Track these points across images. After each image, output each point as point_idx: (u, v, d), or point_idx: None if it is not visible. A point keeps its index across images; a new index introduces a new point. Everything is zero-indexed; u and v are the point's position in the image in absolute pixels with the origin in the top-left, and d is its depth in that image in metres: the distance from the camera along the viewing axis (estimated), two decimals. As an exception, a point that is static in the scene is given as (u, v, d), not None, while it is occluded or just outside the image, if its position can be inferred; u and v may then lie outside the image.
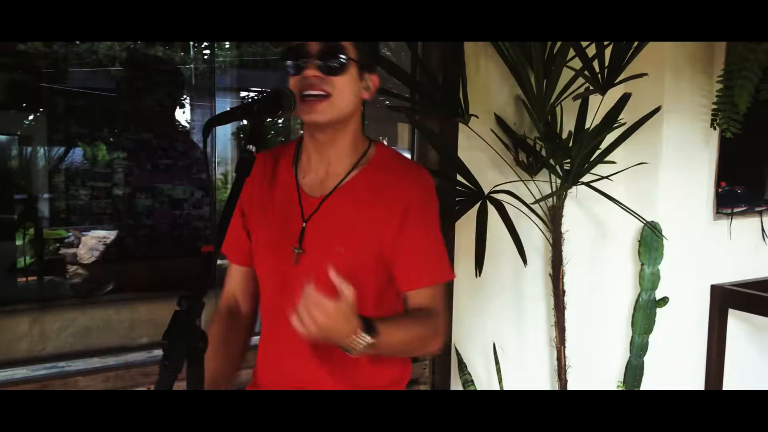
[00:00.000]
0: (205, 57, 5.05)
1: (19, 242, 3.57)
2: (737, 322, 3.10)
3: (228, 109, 1.26)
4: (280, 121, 5.05)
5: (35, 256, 3.53)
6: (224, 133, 4.81)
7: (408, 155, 2.51)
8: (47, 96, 4.38)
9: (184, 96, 4.86)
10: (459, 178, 2.29)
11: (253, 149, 1.19)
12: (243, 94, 5.25)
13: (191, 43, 4.69)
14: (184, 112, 5.01)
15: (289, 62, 1.33)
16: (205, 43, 4.90)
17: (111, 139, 4.37)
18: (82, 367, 1.92)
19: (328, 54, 1.30)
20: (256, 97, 3.31)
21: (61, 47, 4.39)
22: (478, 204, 2.24)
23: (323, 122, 1.34)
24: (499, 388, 2.45)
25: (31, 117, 4.57)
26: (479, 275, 2.13)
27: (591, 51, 2.15)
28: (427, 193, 1.43)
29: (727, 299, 2.99)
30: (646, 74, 2.14)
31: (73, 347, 2.13)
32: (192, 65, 4.82)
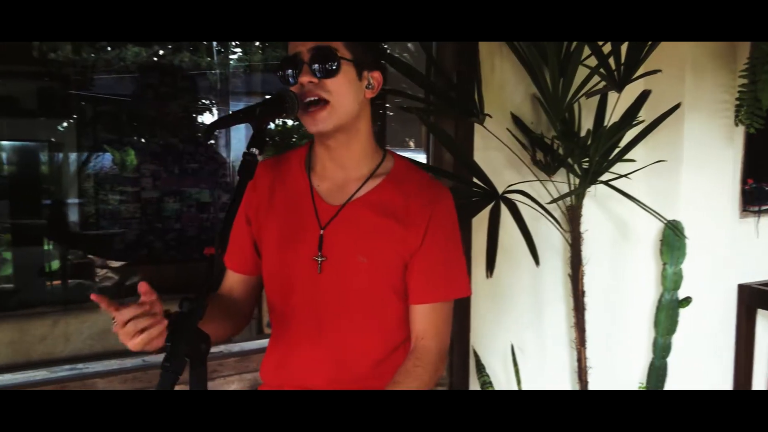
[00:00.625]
0: (231, 61, 5.10)
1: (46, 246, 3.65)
2: (762, 322, 3.03)
3: (230, 112, 1.26)
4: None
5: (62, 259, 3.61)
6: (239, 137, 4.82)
7: (424, 156, 2.50)
8: (77, 103, 4.47)
9: (212, 101, 4.92)
10: (474, 179, 2.28)
11: (256, 152, 1.19)
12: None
13: (215, 47, 4.74)
14: (213, 116, 5.08)
15: (281, 72, 1.32)
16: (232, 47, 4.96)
17: (143, 140, 4.43)
18: (101, 368, 1.94)
19: (320, 57, 1.28)
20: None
21: (89, 54, 4.47)
22: (491, 204, 2.22)
23: (328, 131, 1.32)
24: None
25: (65, 124, 4.66)
26: (490, 276, 2.11)
27: (607, 48, 2.12)
28: (448, 212, 1.42)
29: (755, 299, 2.93)
30: (659, 71, 2.10)
31: (92, 349, 2.15)
32: (217, 70, 4.88)
